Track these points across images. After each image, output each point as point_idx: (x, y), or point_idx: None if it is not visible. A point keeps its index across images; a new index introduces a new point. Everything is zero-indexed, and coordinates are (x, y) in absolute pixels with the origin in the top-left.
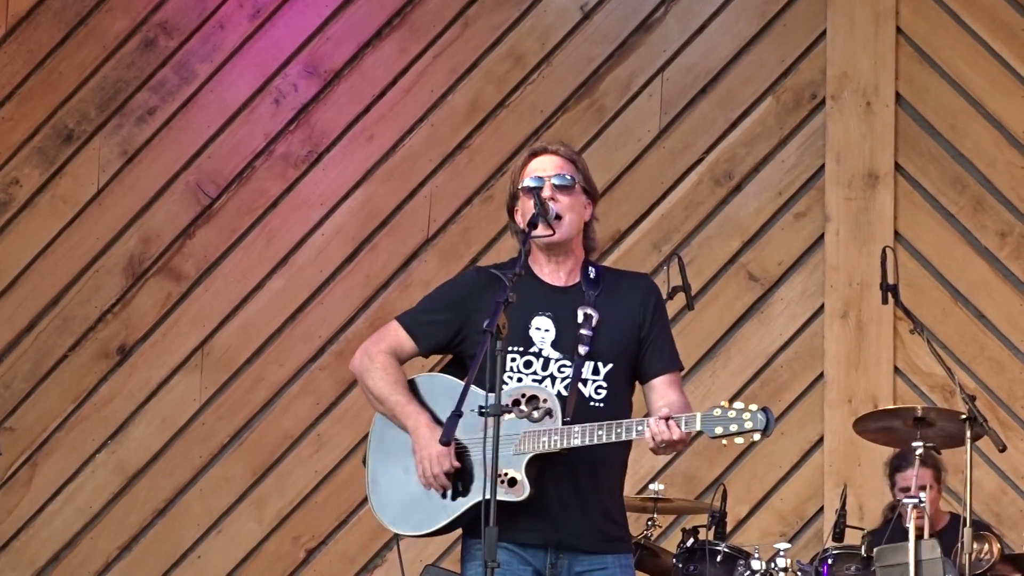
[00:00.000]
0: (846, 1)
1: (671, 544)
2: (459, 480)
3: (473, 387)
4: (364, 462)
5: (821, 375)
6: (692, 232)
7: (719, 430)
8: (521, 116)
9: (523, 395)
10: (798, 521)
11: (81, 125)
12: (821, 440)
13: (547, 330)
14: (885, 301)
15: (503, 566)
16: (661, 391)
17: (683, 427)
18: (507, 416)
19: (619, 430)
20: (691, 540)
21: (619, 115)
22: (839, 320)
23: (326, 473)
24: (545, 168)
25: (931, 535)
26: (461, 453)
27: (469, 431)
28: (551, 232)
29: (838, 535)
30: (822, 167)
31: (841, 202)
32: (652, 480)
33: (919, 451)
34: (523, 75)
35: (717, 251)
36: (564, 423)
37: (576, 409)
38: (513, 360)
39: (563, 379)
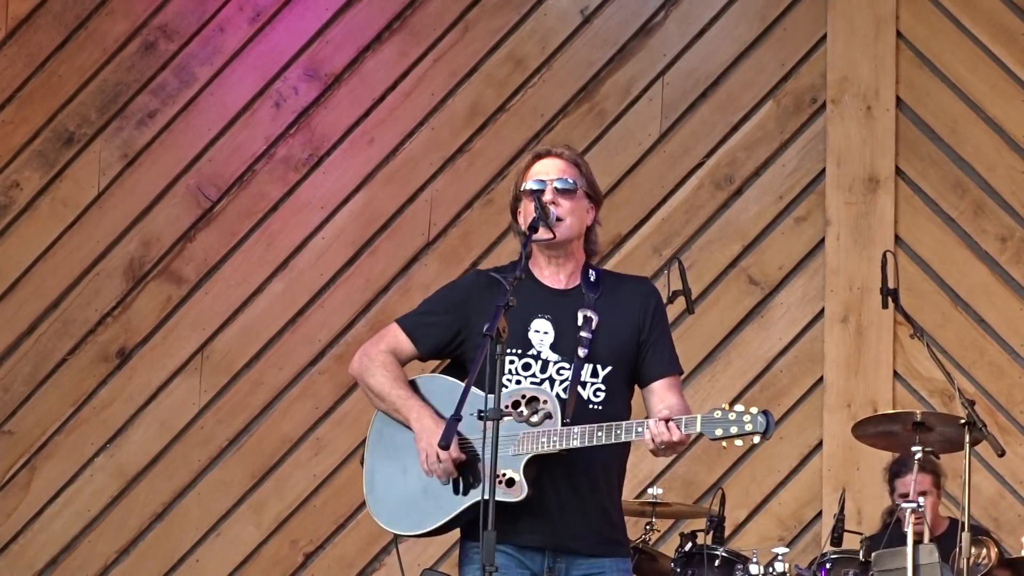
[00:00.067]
0: (846, 5)
1: (669, 548)
2: (457, 480)
3: (473, 389)
4: (361, 462)
5: (821, 379)
6: (692, 236)
7: (719, 432)
8: (521, 120)
9: (523, 396)
10: (796, 525)
11: (81, 128)
12: (820, 444)
13: (546, 332)
14: (885, 305)
15: (501, 570)
16: (660, 395)
17: (683, 429)
18: (506, 418)
19: (618, 431)
20: (689, 544)
21: (619, 119)
22: (839, 324)
23: (325, 477)
24: (548, 171)
25: (930, 540)
26: (463, 449)
27: (469, 431)
28: (551, 236)
29: (836, 539)
30: (823, 171)
31: (842, 206)
32: (651, 484)
33: (918, 456)
34: (523, 79)
35: (717, 255)
36: (564, 424)
37: (575, 412)
38: (512, 363)
39: (562, 381)
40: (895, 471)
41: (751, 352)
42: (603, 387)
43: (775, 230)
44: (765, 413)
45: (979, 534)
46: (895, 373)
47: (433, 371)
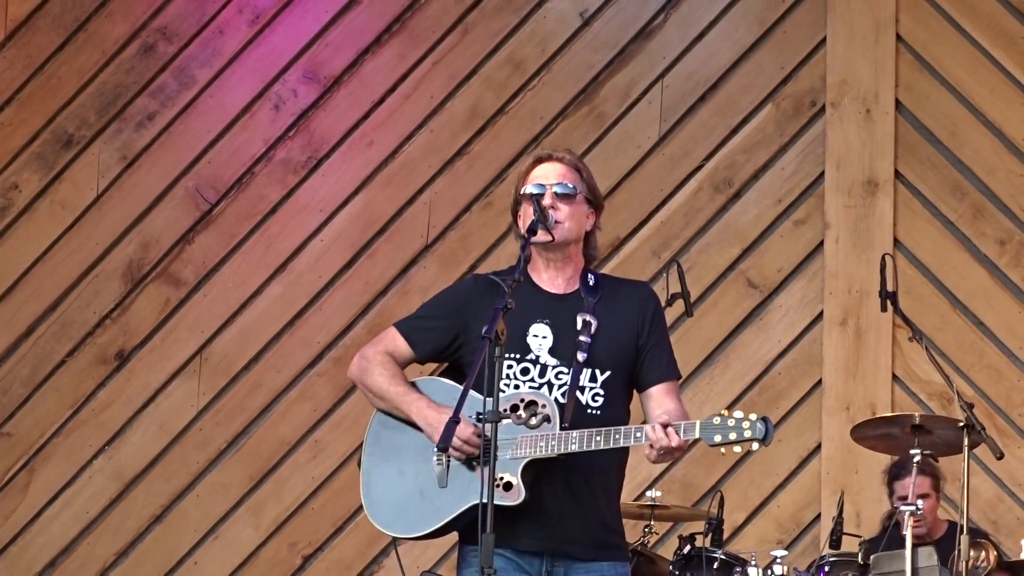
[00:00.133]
0: (846, 8)
1: (668, 551)
2: (456, 484)
3: (472, 392)
4: (359, 464)
5: (819, 382)
6: (691, 239)
7: (718, 438)
8: (520, 123)
9: (521, 400)
10: (795, 528)
11: (80, 130)
12: (819, 447)
13: (545, 337)
14: (884, 308)
15: (499, 573)
16: (659, 399)
17: (682, 434)
18: (504, 420)
19: (617, 436)
20: (688, 547)
21: (619, 122)
22: (838, 327)
23: (323, 479)
24: (548, 176)
25: (929, 543)
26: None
27: None
28: (550, 238)
29: (835, 542)
30: (822, 174)
31: (840, 209)
32: (649, 487)
33: (917, 459)
34: (523, 82)
35: (716, 258)
36: (562, 429)
37: (574, 416)
38: (510, 367)
39: (560, 386)
40: (894, 474)
41: (750, 355)
42: (602, 392)
43: (774, 233)
44: (764, 420)
45: (978, 537)
46: (894, 376)
47: (431, 374)
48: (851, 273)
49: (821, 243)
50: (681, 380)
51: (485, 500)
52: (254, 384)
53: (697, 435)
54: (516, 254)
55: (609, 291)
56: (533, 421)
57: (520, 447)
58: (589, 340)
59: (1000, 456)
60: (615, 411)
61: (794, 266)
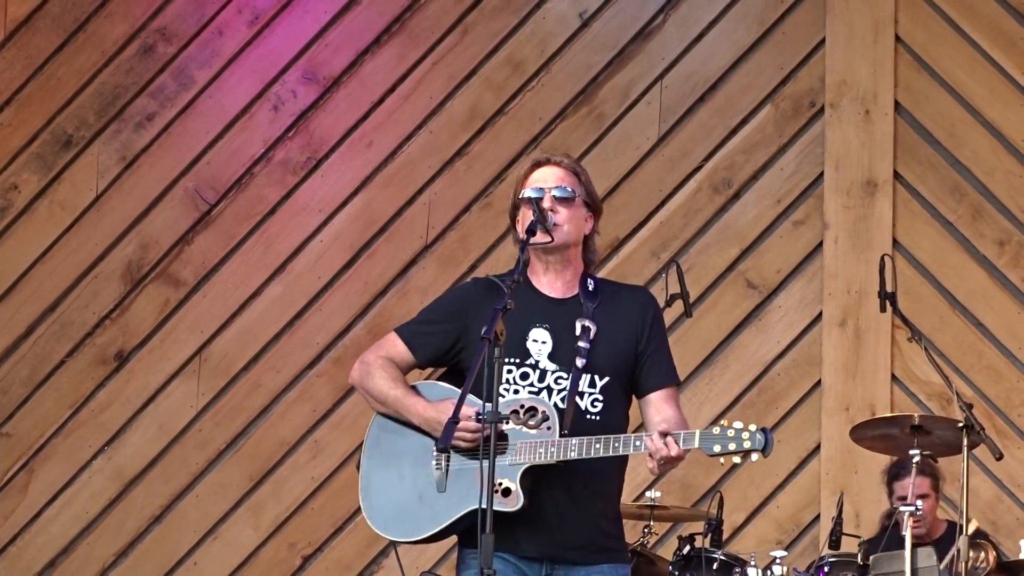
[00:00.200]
0: (845, 9)
1: (667, 552)
2: (455, 489)
3: (471, 396)
4: (357, 467)
5: (819, 383)
6: (691, 240)
7: (717, 448)
8: (520, 123)
9: (521, 406)
10: (795, 529)
11: (80, 131)
12: (818, 448)
13: (544, 342)
14: (883, 309)
15: (498, 575)
16: (657, 406)
17: (681, 444)
18: (504, 426)
19: (616, 444)
20: (687, 548)
21: (618, 123)
22: (837, 328)
23: (323, 480)
24: (546, 179)
25: (929, 543)
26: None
27: None
28: (549, 239)
29: (834, 543)
30: (821, 175)
31: (840, 210)
32: (648, 487)
33: (916, 459)
34: (522, 82)
35: (715, 259)
36: (562, 436)
37: (573, 422)
38: (509, 372)
39: (559, 391)
40: (894, 473)
41: (749, 355)
42: (601, 397)
43: (773, 234)
44: (764, 431)
45: (977, 537)
46: (893, 376)
47: (427, 378)
48: (850, 274)
49: (820, 244)
50: (680, 386)
51: (484, 505)
52: (254, 384)
53: (696, 445)
54: (516, 255)
55: (608, 296)
56: (532, 422)
57: (519, 453)
58: (588, 346)
59: (999, 457)
60: (614, 416)
61: (793, 267)
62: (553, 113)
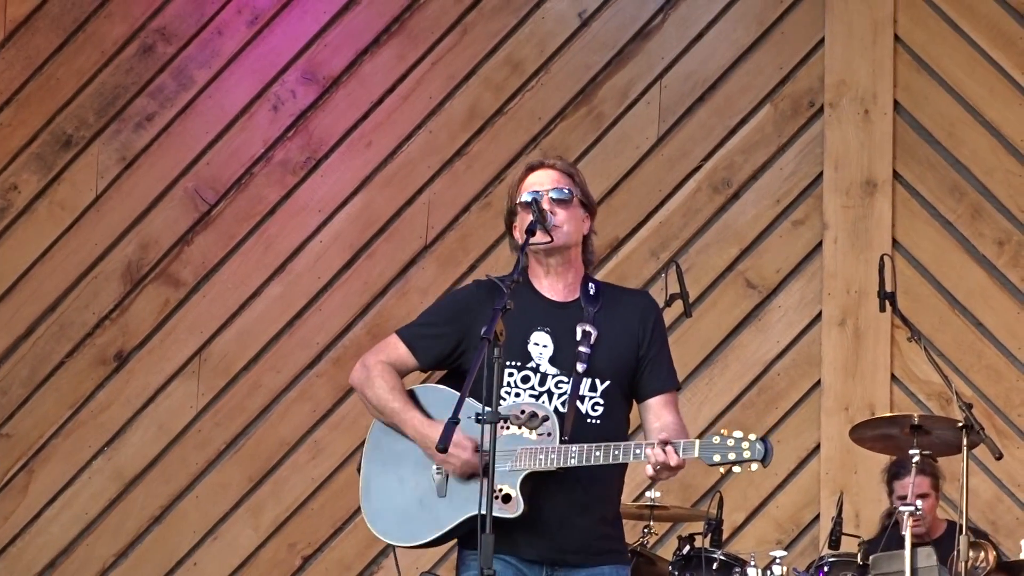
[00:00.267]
0: (844, 9)
1: (667, 552)
2: (456, 494)
3: (470, 399)
4: (358, 470)
5: (818, 383)
6: (690, 239)
7: (717, 458)
8: (519, 123)
9: (522, 412)
10: (794, 528)
11: (79, 131)
12: (818, 448)
13: (545, 345)
14: (883, 309)
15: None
16: (657, 411)
17: (681, 454)
18: (504, 431)
19: (616, 452)
20: (687, 548)
21: (617, 123)
22: (836, 328)
23: (322, 480)
24: (542, 182)
25: (928, 543)
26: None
27: None
28: (549, 239)
29: (834, 543)
30: (820, 175)
31: (839, 210)
32: (648, 487)
33: (916, 459)
34: (521, 82)
35: (715, 258)
36: (562, 441)
37: (573, 426)
38: (511, 375)
39: (560, 395)
40: (893, 473)
41: (748, 355)
42: (601, 401)
43: (772, 233)
44: (763, 440)
45: (977, 537)
46: (892, 376)
47: (424, 381)
48: (850, 273)
49: (820, 243)
50: (680, 390)
51: (484, 506)
52: (253, 385)
53: (696, 455)
54: (515, 256)
55: (610, 300)
56: (532, 424)
57: (519, 459)
58: (589, 351)
59: (999, 456)
60: (615, 421)
61: (793, 266)
62: (552, 113)
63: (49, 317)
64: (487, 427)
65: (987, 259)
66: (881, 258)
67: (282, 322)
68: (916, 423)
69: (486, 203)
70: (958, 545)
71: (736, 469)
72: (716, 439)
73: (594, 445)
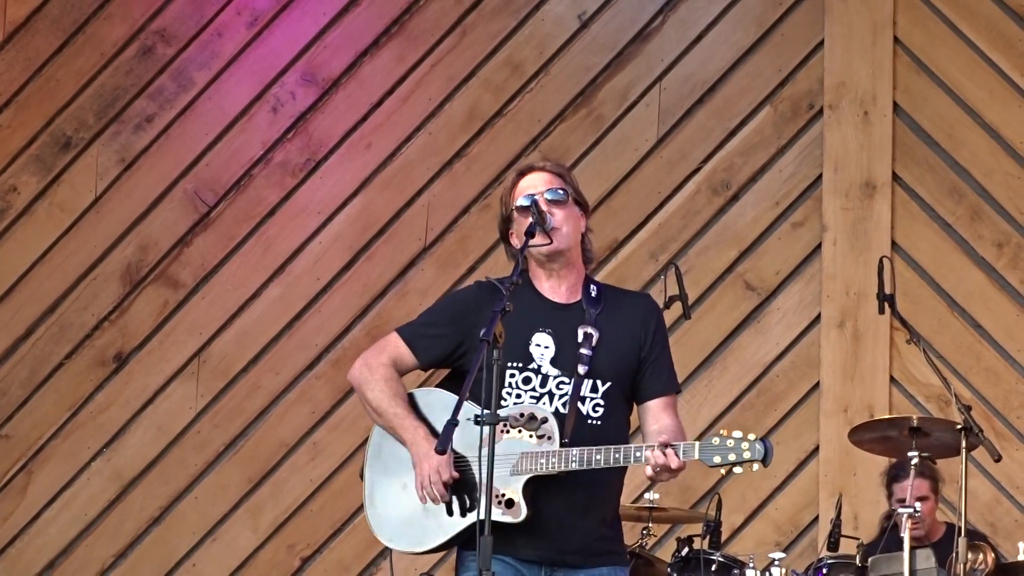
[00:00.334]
0: (844, 11)
1: (666, 553)
2: (457, 497)
3: (470, 401)
4: (361, 476)
5: (817, 384)
6: (689, 241)
7: (717, 459)
8: (519, 125)
9: (521, 414)
10: (793, 530)
11: (79, 132)
12: (817, 449)
13: (547, 347)
14: (882, 311)
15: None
16: (656, 414)
17: (681, 456)
18: (505, 435)
19: (617, 455)
20: (686, 549)
21: (617, 124)
22: (836, 330)
23: (321, 481)
24: (536, 185)
25: (928, 545)
26: (460, 469)
27: (466, 448)
28: (548, 241)
29: (833, 544)
30: (819, 177)
31: (838, 211)
32: (647, 489)
33: (915, 461)
34: (521, 84)
35: (714, 260)
36: (562, 443)
37: (574, 427)
38: (512, 376)
39: (561, 396)
40: (893, 475)
41: (748, 357)
42: (602, 402)
43: (772, 235)
44: (763, 440)
45: (976, 539)
46: (891, 378)
47: (424, 382)
48: (849, 275)
49: (819, 245)
50: (680, 393)
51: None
52: (252, 386)
53: (696, 456)
54: (514, 256)
55: (611, 302)
56: (531, 426)
57: (520, 464)
58: (590, 353)
59: (998, 458)
60: (615, 422)
61: (792, 268)
62: (552, 115)
63: (48, 318)
64: (487, 429)
65: (986, 261)
66: (880, 260)
67: (281, 323)
68: (915, 425)
69: (485, 205)
70: (956, 547)
71: (737, 470)
72: (716, 440)
73: (594, 448)
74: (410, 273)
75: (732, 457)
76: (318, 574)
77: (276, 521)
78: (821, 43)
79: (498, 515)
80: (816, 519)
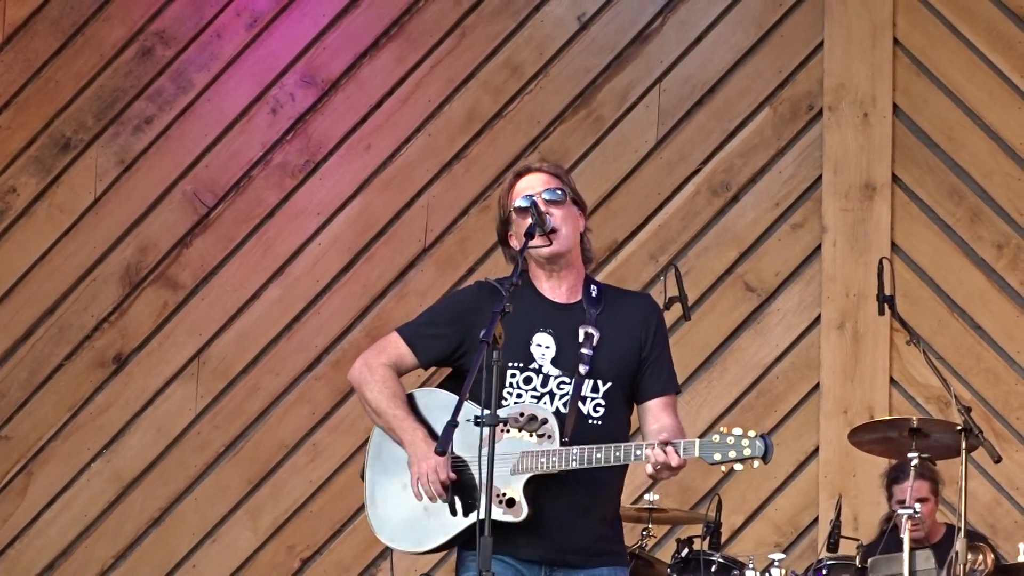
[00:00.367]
0: (843, 12)
1: (666, 554)
2: (458, 499)
3: (470, 402)
4: (362, 476)
5: (817, 386)
6: (689, 243)
7: (718, 456)
8: (518, 126)
9: (522, 414)
10: (793, 531)
11: (78, 134)
12: (816, 451)
13: (548, 347)
14: (882, 312)
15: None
16: (655, 414)
17: (681, 453)
18: (505, 435)
19: (618, 453)
20: (686, 550)
21: (616, 126)
22: (835, 331)
23: (321, 482)
24: (533, 186)
25: (928, 547)
26: (460, 470)
27: (466, 448)
28: (548, 243)
29: (833, 545)
30: (819, 178)
31: (838, 213)
32: (647, 490)
33: (915, 462)
34: (520, 85)
35: (714, 262)
36: (563, 443)
37: (575, 427)
38: (513, 376)
39: (562, 396)
40: (893, 477)
41: (747, 358)
42: (603, 402)
43: (771, 237)
44: (763, 437)
45: (975, 540)
46: (891, 379)
47: (429, 380)
48: (848, 277)
49: (819, 247)
50: (680, 393)
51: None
52: (252, 387)
53: (697, 454)
54: (513, 258)
55: (612, 302)
56: (531, 427)
57: (521, 463)
58: (591, 352)
59: (997, 460)
60: (616, 422)
61: (792, 270)
62: (551, 116)
63: (48, 319)
64: (486, 430)
65: (986, 262)
66: (880, 261)
67: (281, 325)
68: (915, 426)
69: (485, 206)
70: (956, 548)
71: (737, 467)
72: (716, 438)
73: (595, 447)
74: (409, 274)
75: (732, 454)
76: (318, 575)
77: (276, 522)
78: (821, 44)
79: (499, 514)
80: (816, 520)
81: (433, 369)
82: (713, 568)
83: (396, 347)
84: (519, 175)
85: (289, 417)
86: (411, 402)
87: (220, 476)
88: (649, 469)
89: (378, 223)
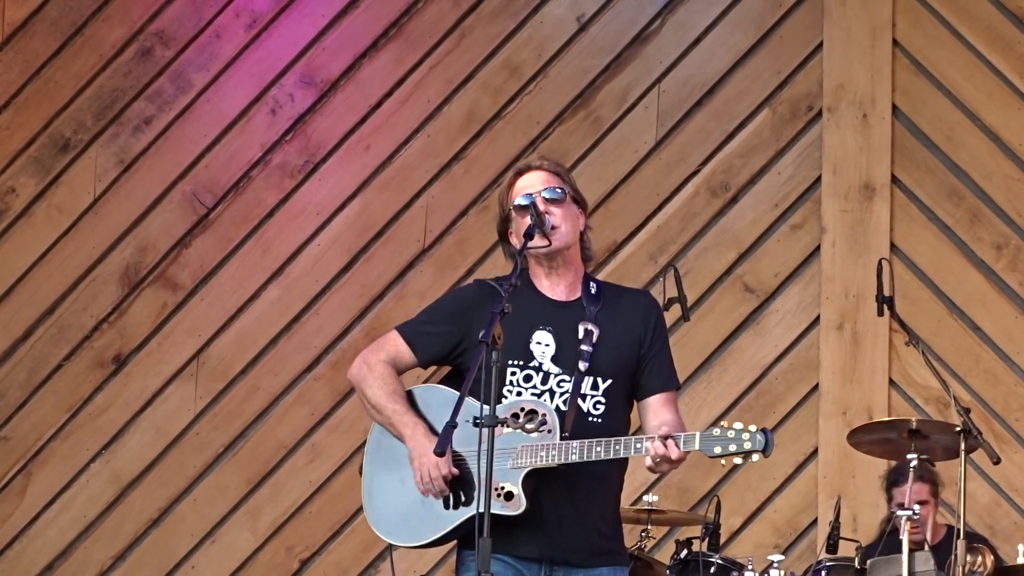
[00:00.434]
0: (843, 13)
1: (665, 555)
2: (455, 492)
3: (470, 399)
4: (360, 471)
5: (816, 387)
6: (688, 243)
7: (718, 450)
8: (517, 127)
9: (521, 409)
10: (792, 533)
11: (77, 134)
12: (815, 452)
13: (547, 344)
14: (881, 313)
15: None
16: (656, 410)
17: (681, 447)
18: (505, 430)
19: (617, 447)
20: (685, 552)
21: (615, 127)
22: (835, 332)
23: (320, 483)
24: (533, 184)
25: (928, 549)
26: (458, 464)
27: (466, 443)
28: (548, 243)
29: (832, 547)
30: (818, 179)
31: (837, 214)
32: (646, 491)
33: (914, 464)
34: (519, 86)
35: (713, 262)
36: (563, 438)
37: (575, 424)
38: (513, 374)
39: (562, 394)
40: (893, 480)
41: (747, 359)
42: (603, 400)
43: (771, 237)
44: (764, 431)
45: (975, 542)
46: (891, 381)
47: (427, 381)
48: (848, 278)
49: (818, 248)
50: (680, 389)
51: (483, 508)
52: (251, 388)
53: (697, 447)
54: (513, 256)
55: (611, 299)
56: (530, 426)
57: (520, 456)
58: (591, 349)
59: (997, 461)
60: (616, 419)
61: (791, 271)
62: (550, 117)
63: (47, 320)
64: (485, 430)
65: (985, 263)
66: (879, 262)
67: (280, 325)
68: (914, 427)
69: (484, 207)
70: (955, 549)
71: (737, 461)
72: (716, 431)
73: (595, 441)
74: (409, 275)
75: (733, 448)
76: None
77: (275, 523)
78: (820, 45)
79: (497, 508)
80: (815, 521)
81: (432, 368)
82: (712, 569)
83: (395, 345)
84: (520, 173)
85: (288, 418)
86: (411, 399)
87: (219, 477)
88: (648, 462)
89: (377, 224)
